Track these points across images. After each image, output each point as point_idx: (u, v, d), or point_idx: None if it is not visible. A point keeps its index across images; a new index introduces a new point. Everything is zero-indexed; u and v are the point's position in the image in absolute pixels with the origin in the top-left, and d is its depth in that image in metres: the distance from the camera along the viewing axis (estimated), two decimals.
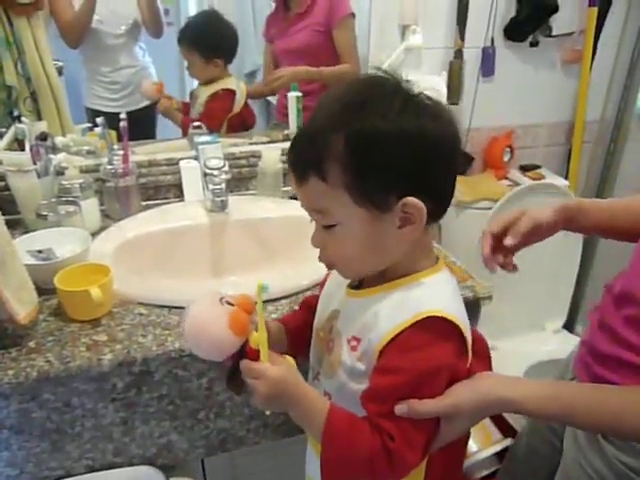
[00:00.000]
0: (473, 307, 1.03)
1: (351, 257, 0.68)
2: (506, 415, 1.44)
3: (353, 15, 1.55)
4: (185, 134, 1.53)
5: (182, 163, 1.37)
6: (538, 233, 0.84)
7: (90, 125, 1.43)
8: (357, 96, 0.63)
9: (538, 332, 1.94)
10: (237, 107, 1.59)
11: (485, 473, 1.51)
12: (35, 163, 1.21)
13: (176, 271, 1.18)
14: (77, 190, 1.21)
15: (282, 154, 1.38)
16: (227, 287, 1.07)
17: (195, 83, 1.60)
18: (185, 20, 1.55)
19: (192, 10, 1.62)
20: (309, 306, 0.84)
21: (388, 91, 0.63)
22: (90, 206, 1.23)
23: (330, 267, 0.73)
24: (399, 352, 0.64)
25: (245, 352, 0.68)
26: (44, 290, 0.99)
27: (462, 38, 1.66)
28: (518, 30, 1.72)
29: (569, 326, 2.01)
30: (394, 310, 0.66)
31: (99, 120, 1.32)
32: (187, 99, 1.62)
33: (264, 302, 0.68)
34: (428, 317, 0.63)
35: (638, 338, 0.74)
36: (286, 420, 1.03)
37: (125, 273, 1.06)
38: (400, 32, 1.60)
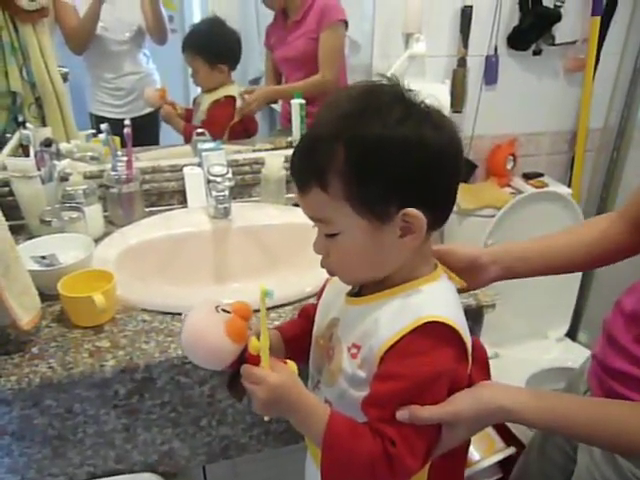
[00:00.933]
0: (476, 315, 1.02)
1: (352, 265, 0.68)
2: (510, 424, 1.43)
3: (345, 23, 1.54)
4: (187, 141, 1.54)
5: (186, 170, 1.37)
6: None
7: (94, 131, 1.43)
8: (357, 104, 0.63)
9: (541, 340, 1.93)
10: (239, 114, 1.60)
11: None
12: (39, 169, 1.21)
13: (179, 278, 1.18)
14: (81, 196, 1.22)
15: (285, 161, 1.38)
16: (230, 294, 1.08)
17: (199, 90, 1.61)
18: (189, 27, 1.56)
19: (196, 17, 1.63)
20: (307, 315, 0.84)
21: (389, 99, 0.63)
22: (94, 212, 1.24)
23: (331, 274, 0.73)
24: (400, 358, 0.64)
25: (245, 359, 0.68)
26: (47, 296, 0.99)
27: (465, 46, 1.67)
28: (521, 39, 1.72)
29: (572, 334, 2.01)
30: (394, 317, 0.66)
31: (103, 126, 1.33)
32: (191, 106, 1.62)
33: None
34: (428, 322, 0.63)
35: None
36: (288, 428, 1.03)
37: (128, 279, 1.06)
38: (404, 40, 1.61)
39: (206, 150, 1.35)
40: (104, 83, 1.55)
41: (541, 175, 1.92)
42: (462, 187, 0.69)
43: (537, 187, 1.83)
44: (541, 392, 0.72)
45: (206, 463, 1.05)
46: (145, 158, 1.43)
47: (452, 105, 1.69)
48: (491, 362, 0.79)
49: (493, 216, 1.68)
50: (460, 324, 0.66)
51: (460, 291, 0.76)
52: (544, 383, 1.74)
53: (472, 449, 1.50)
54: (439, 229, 0.69)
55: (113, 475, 0.97)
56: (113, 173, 1.28)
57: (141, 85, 1.58)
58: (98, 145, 1.38)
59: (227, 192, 1.25)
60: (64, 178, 1.26)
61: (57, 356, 0.88)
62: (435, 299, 0.68)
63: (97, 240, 1.18)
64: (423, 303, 0.67)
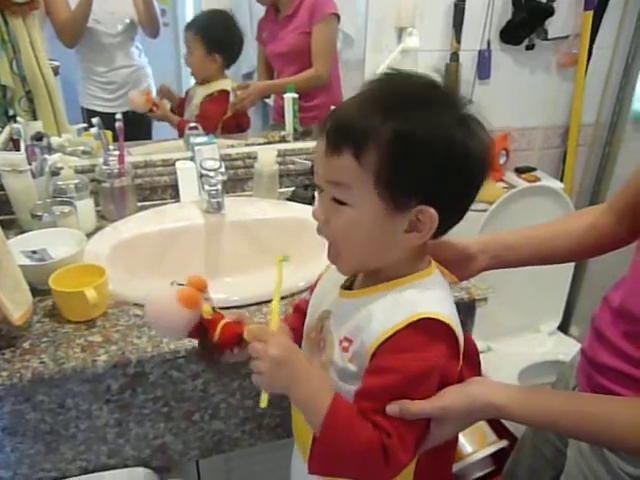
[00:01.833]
0: (468, 309, 1.02)
1: (348, 240, 0.67)
2: None
3: (337, 17, 1.54)
4: (182, 135, 1.53)
5: (178, 164, 1.37)
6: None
7: (86, 125, 1.43)
8: (421, 92, 0.64)
9: (533, 334, 1.94)
10: (232, 109, 1.59)
11: (479, 474, 1.52)
12: (30, 163, 1.20)
13: (172, 272, 1.15)
14: (72, 190, 1.21)
15: (278, 155, 1.38)
16: (223, 288, 1.07)
17: (192, 82, 1.60)
18: (184, 20, 1.55)
19: (189, 10, 1.61)
20: (301, 310, 0.84)
21: (449, 100, 0.65)
22: (85, 207, 1.23)
23: (328, 249, 0.71)
24: (393, 352, 0.64)
25: (205, 327, 0.71)
26: (39, 291, 0.99)
27: (458, 41, 1.67)
28: (514, 33, 1.72)
29: (564, 328, 2.02)
30: (388, 311, 0.66)
31: (95, 120, 1.32)
32: (183, 95, 1.62)
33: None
34: (422, 319, 0.63)
35: (636, 351, 0.74)
36: (281, 422, 1.03)
37: (120, 274, 1.06)
38: (397, 34, 1.61)
39: (199, 144, 1.34)
40: (96, 76, 1.53)
41: (533, 169, 1.93)
42: None
43: (529, 181, 1.84)
44: (530, 389, 0.73)
45: (199, 458, 1.05)
46: (137, 152, 1.43)
47: None
48: (483, 356, 0.79)
49: (486, 210, 1.68)
50: (454, 321, 0.67)
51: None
52: (536, 376, 1.75)
53: (464, 442, 1.51)
54: (440, 236, 0.69)
55: (106, 470, 0.97)
56: (105, 167, 1.27)
57: (133, 79, 1.56)
58: (90, 139, 1.37)
59: (220, 186, 1.25)
60: (55, 172, 1.25)
61: (49, 351, 0.88)
62: (430, 295, 0.68)
63: (89, 235, 1.17)
64: (418, 299, 0.67)
